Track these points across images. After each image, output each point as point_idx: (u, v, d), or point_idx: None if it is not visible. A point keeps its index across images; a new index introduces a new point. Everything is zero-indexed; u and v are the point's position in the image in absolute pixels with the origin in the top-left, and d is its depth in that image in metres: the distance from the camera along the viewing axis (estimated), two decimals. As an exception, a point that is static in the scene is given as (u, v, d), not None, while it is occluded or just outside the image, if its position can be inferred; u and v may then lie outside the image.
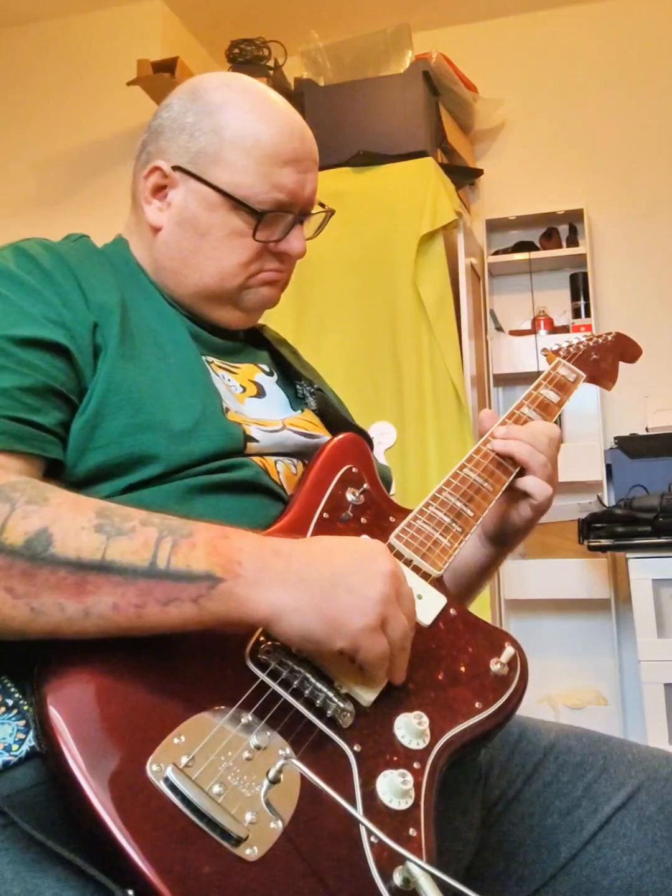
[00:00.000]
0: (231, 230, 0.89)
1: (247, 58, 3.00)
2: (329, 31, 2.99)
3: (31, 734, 0.63)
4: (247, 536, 0.66)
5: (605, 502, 2.73)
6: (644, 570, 2.35)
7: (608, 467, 2.81)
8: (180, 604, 0.61)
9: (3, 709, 0.64)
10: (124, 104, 3.02)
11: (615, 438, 2.77)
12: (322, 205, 0.96)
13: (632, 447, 2.70)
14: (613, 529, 2.40)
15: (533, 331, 3.00)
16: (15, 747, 0.63)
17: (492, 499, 0.86)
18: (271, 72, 2.99)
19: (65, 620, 0.60)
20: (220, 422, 0.82)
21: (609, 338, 1.12)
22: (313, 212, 0.95)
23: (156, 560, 0.62)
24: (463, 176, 3.02)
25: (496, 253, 3.13)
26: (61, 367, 0.75)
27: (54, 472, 0.74)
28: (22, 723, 0.64)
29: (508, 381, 3.07)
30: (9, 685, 0.66)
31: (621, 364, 1.12)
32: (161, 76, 2.80)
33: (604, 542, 2.42)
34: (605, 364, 1.08)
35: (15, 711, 0.64)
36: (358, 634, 0.64)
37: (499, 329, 3.10)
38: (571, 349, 1.08)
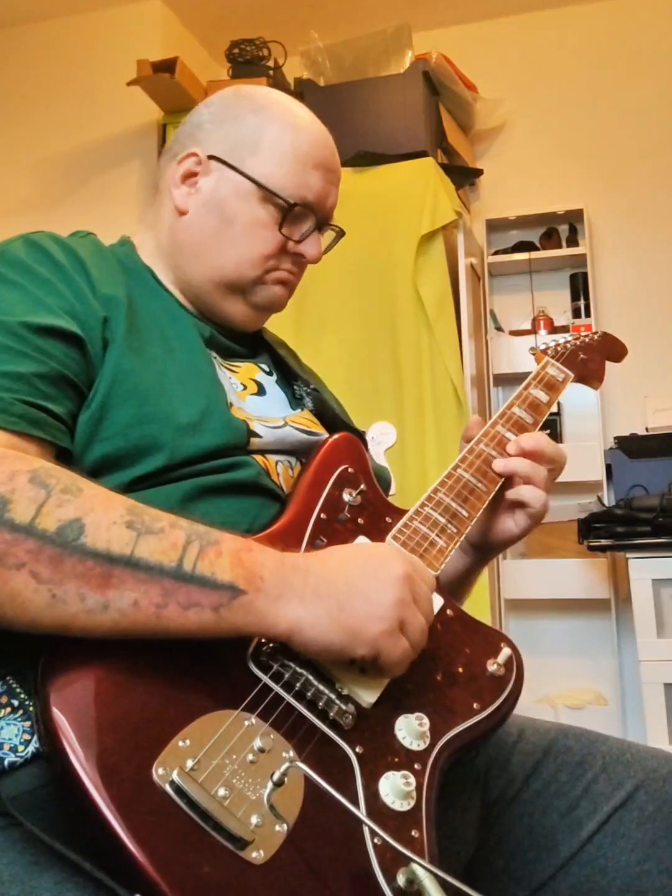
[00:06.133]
0: (257, 220, 0.90)
1: (247, 58, 2.99)
2: (329, 31, 2.99)
3: (36, 735, 0.63)
4: (268, 551, 0.67)
5: (605, 502, 2.73)
6: (644, 570, 2.35)
7: (608, 467, 2.81)
8: (200, 609, 0.61)
9: (9, 709, 0.64)
10: (124, 104, 3.02)
11: (615, 438, 2.77)
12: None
13: (632, 447, 2.70)
14: (613, 529, 2.40)
15: (533, 331, 3.00)
16: (20, 748, 0.63)
17: (486, 499, 0.87)
18: (271, 72, 2.98)
19: (83, 611, 0.59)
20: (225, 416, 0.82)
21: (595, 337, 1.12)
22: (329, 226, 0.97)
23: (183, 563, 0.62)
24: (463, 176, 3.01)
25: (496, 253, 3.13)
26: (75, 357, 0.75)
27: (61, 461, 0.73)
28: (27, 724, 0.64)
29: (508, 381, 3.06)
30: (15, 686, 0.65)
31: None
32: (161, 76, 2.79)
33: (604, 542, 2.42)
34: (593, 364, 1.09)
35: (20, 712, 0.64)
36: (377, 640, 0.65)
37: (499, 329, 3.10)
38: (559, 348, 1.08)
